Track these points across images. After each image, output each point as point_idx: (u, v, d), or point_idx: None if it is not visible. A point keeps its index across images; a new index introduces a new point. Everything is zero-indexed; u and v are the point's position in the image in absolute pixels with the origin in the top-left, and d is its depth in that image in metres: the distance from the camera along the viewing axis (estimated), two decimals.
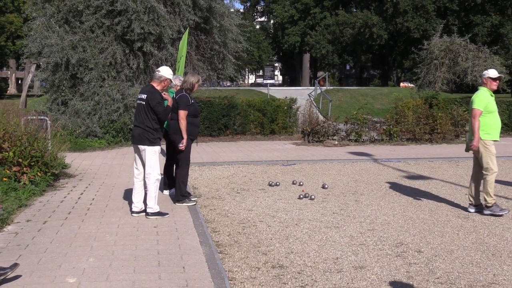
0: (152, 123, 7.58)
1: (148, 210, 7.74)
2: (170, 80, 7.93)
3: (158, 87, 7.71)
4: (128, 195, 9.31)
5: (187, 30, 13.54)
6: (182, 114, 8.12)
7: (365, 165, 13.31)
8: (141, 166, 7.82)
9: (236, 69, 21.16)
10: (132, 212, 7.89)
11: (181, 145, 8.15)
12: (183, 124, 8.12)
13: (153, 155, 7.64)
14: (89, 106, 16.41)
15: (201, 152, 15.18)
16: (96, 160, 13.49)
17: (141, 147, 7.65)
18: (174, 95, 8.55)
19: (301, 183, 10.72)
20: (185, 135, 8.14)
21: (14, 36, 47.35)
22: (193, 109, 8.33)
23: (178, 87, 9.22)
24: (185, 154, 8.44)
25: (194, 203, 8.46)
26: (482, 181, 8.23)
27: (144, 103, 7.57)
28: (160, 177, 7.82)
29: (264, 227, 7.41)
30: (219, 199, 9.32)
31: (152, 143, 7.60)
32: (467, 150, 8.47)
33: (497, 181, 10.89)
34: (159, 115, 7.59)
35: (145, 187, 7.82)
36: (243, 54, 20.62)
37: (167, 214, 7.86)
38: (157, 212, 7.74)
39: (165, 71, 7.80)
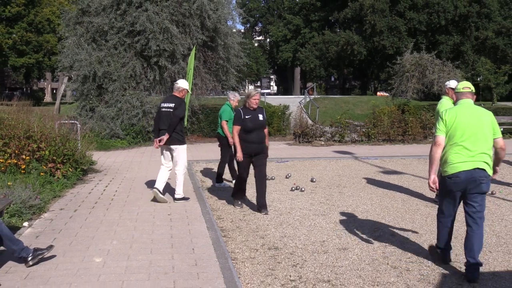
0: (180, 126, 7.82)
1: (176, 196, 8.08)
2: (187, 89, 8.10)
3: (179, 96, 7.97)
4: (146, 187, 9.32)
5: (194, 47, 13.53)
6: (233, 129, 7.44)
7: (348, 162, 13.31)
8: (169, 160, 8.12)
9: (237, 80, 21.13)
10: (154, 187, 8.06)
11: (236, 158, 7.42)
12: (234, 138, 7.40)
13: (184, 151, 7.98)
14: (112, 112, 16.42)
15: (208, 151, 15.17)
16: (119, 158, 13.48)
17: (173, 147, 7.86)
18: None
19: (289, 175, 10.79)
20: (238, 148, 7.27)
21: (50, 53, 47.38)
22: (244, 124, 7.26)
23: (232, 101, 9.54)
24: (239, 166, 7.56)
25: (239, 206, 7.88)
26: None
27: (172, 110, 7.74)
28: (186, 170, 8.22)
29: (261, 215, 7.40)
30: (223, 190, 9.31)
31: (182, 142, 7.91)
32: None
33: None
34: (174, 118, 7.69)
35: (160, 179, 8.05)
36: (244, 68, 20.58)
37: (189, 198, 8.23)
38: (182, 198, 8.11)
39: (182, 83, 8.10)
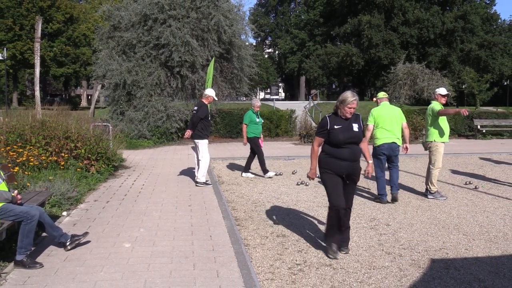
0: (201, 124, 8.74)
1: (197, 180, 8.87)
2: (212, 96, 8.97)
3: (205, 102, 8.92)
4: (169, 182, 9.34)
5: (213, 59, 13.53)
6: (314, 141, 5.15)
7: None
8: (195, 153, 9.15)
9: (250, 88, 21.14)
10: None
11: (308, 175, 5.26)
12: (312, 151, 5.16)
13: (204, 145, 8.84)
14: (140, 115, 16.50)
15: (224, 150, 15.19)
16: (145, 156, 13.54)
17: (196, 141, 8.87)
18: None
19: (295, 171, 10.77)
20: (312, 164, 5.17)
21: (85, 64, 47.75)
22: (332, 136, 4.92)
23: (253, 107, 10.16)
24: (329, 192, 5.05)
25: (333, 257, 4.93)
26: (428, 172, 8.14)
27: (195, 112, 8.75)
28: (208, 160, 8.92)
29: (271, 206, 7.40)
30: (237, 185, 9.32)
31: (201, 137, 8.81)
32: (425, 149, 8.37)
33: (449, 171, 10.84)
34: (194, 118, 8.69)
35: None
36: (255, 77, 20.55)
37: (211, 184, 8.86)
38: (203, 183, 8.81)
39: (208, 91, 9.05)
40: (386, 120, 7.64)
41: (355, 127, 5.00)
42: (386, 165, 7.87)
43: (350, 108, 4.91)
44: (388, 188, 7.79)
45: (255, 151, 10.14)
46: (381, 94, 8.08)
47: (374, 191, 8.18)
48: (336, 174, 5.00)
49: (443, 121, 7.96)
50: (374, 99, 8.40)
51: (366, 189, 8.75)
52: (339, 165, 4.97)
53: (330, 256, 4.97)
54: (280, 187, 9.06)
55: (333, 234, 5.03)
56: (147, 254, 4.91)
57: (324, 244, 5.20)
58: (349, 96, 4.92)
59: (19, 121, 9.76)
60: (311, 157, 5.19)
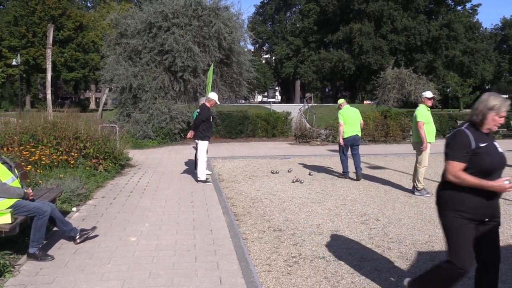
0: (202, 127, 8.79)
1: (198, 178, 8.92)
2: (214, 100, 8.97)
3: (208, 105, 8.94)
4: (172, 180, 9.33)
5: (212, 64, 13.54)
6: (452, 166, 3.06)
7: (339, 159, 13.21)
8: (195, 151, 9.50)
9: (248, 91, 21.09)
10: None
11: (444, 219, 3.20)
12: (465, 181, 3.01)
13: (203, 145, 8.88)
14: (145, 117, 16.48)
15: (224, 149, 15.18)
16: (150, 155, 13.52)
17: (197, 141, 8.93)
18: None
19: (291, 170, 10.74)
20: (483, 183, 2.96)
21: (94, 69, 47.74)
22: (477, 160, 3.00)
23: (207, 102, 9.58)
24: (449, 243, 3.13)
25: None
26: (415, 170, 8.13)
27: (198, 114, 8.89)
28: (206, 159, 9.02)
29: (268, 202, 7.39)
30: (236, 182, 9.31)
31: (202, 138, 8.84)
32: (414, 148, 8.34)
33: (434, 169, 10.84)
34: (197, 120, 8.77)
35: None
36: (253, 81, 20.51)
37: (211, 182, 8.87)
38: (203, 180, 8.87)
39: (211, 95, 9.06)
40: (351, 119, 9.48)
41: (498, 146, 3.15)
42: (350, 152, 9.66)
43: (502, 117, 3.06)
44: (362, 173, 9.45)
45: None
46: (341, 101, 9.97)
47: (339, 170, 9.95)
48: (471, 220, 3.05)
49: (430, 123, 7.96)
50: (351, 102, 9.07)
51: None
52: (481, 206, 3.02)
53: None
54: (277, 184, 9.06)
55: None
56: (151, 247, 4.90)
57: None
58: (499, 100, 3.05)
59: (32, 122, 9.73)
60: (472, 183, 2.99)
